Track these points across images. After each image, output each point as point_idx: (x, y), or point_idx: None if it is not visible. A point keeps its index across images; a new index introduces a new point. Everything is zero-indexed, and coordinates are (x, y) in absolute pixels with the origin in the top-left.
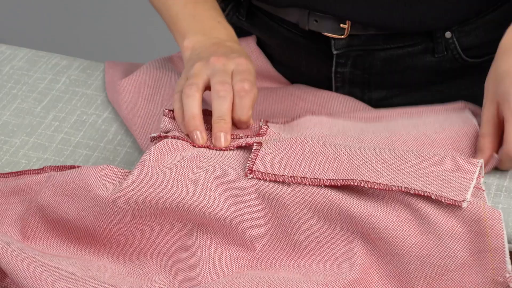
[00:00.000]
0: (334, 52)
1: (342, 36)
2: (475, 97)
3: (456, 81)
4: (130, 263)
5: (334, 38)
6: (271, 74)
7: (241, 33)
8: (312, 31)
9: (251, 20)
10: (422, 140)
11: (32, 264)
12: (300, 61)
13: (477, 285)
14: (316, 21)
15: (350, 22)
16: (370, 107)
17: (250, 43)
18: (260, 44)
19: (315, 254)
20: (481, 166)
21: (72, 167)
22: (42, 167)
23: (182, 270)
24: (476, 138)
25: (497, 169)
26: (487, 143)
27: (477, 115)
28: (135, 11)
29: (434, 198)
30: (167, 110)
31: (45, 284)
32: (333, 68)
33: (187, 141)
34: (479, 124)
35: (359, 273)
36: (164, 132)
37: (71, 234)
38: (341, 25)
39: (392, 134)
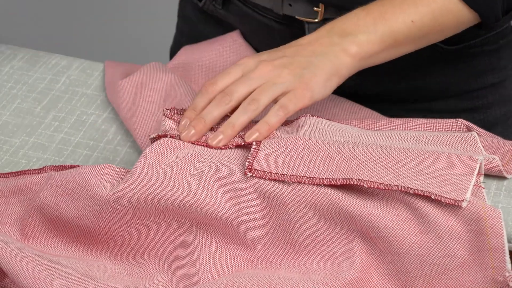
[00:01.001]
0: None
1: (316, 20)
2: (449, 86)
3: (430, 68)
4: (129, 262)
5: (308, 22)
6: None
7: (219, 24)
8: (287, 16)
9: (227, 8)
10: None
11: (32, 264)
12: (276, 47)
13: (476, 284)
14: (290, 5)
15: (323, 6)
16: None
17: (236, 38)
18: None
19: (314, 253)
20: (480, 164)
21: (72, 166)
22: (42, 167)
23: (182, 270)
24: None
25: None
26: None
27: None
28: (135, 11)
29: (433, 197)
30: (167, 111)
31: (45, 284)
32: None
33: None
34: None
35: (358, 272)
36: (164, 133)
37: (70, 233)
38: (315, 8)
39: (393, 136)
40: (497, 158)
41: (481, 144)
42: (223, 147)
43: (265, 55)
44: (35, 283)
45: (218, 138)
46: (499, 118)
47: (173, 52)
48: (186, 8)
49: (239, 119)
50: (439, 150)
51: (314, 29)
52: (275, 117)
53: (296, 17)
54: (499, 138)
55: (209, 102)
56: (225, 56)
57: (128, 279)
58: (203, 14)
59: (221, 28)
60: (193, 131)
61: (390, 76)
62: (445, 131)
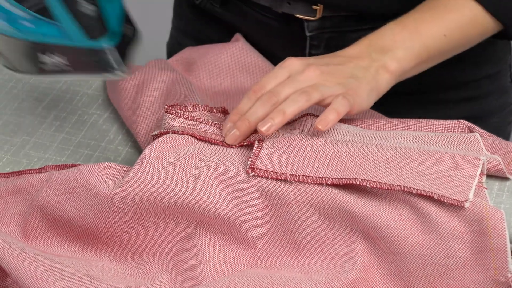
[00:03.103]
0: (308, 34)
1: (315, 18)
2: (443, 78)
3: None
4: (131, 262)
5: (307, 20)
6: (266, 67)
7: (215, 21)
8: (286, 14)
9: (225, 7)
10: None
11: (34, 264)
12: (275, 45)
13: (478, 285)
14: (289, 3)
15: (322, 4)
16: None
17: (238, 40)
18: (234, 31)
19: (316, 252)
20: (483, 164)
21: (73, 166)
22: (43, 166)
23: (183, 269)
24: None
25: None
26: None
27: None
28: (135, 11)
29: (436, 198)
30: (169, 107)
31: (46, 284)
32: (307, 51)
33: (188, 134)
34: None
35: (360, 272)
36: (166, 130)
37: (72, 233)
38: (313, 6)
39: (394, 136)
40: (500, 159)
41: (483, 145)
42: (225, 144)
43: (311, 59)
44: (36, 283)
45: (268, 124)
46: (496, 108)
47: (169, 48)
48: (181, 5)
49: (291, 107)
50: (442, 150)
51: (313, 27)
52: (332, 115)
53: (295, 15)
54: (501, 139)
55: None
56: (229, 52)
57: (129, 279)
58: (199, 11)
59: (217, 25)
60: (237, 133)
61: None
62: (447, 132)
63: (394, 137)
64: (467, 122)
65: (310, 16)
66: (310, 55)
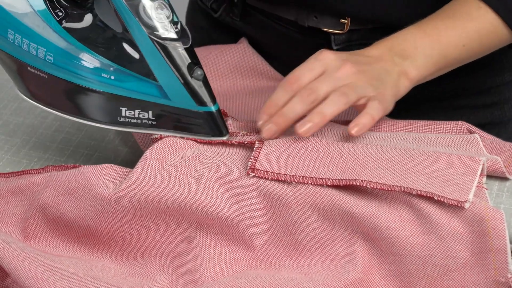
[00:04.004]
0: (334, 47)
1: (342, 31)
2: (464, 85)
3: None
4: (131, 262)
5: (334, 34)
6: (267, 71)
7: (235, 33)
8: (311, 27)
9: (245, 20)
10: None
11: (34, 264)
12: (299, 58)
13: (478, 286)
14: (316, 17)
15: (350, 18)
16: None
17: (242, 43)
18: (255, 43)
19: (316, 253)
20: (483, 165)
21: (74, 166)
22: (43, 166)
23: (184, 270)
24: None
25: None
26: None
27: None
28: None
29: (436, 198)
30: None
31: (47, 284)
32: None
33: (188, 139)
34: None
35: (360, 272)
36: None
37: (72, 233)
38: (341, 20)
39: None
40: (499, 159)
41: (483, 145)
42: (229, 143)
43: (344, 54)
44: (37, 283)
45: (307, 126)
46: None
47: None
48: (197, 17)
49: (330, 109)
50: (442, 151)
51: (340, 41)
52: (367, 120)
53: (322, 29)
54: (501, 140)
55: (290, 98)
56: (230, 55)
57: (130, 279)
58: (216, 23)
59: (235, 36)
60: (274, 128)
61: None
62: (447, 133)
63: (394, 138)
64: (467, 124)
65: (337, 30)
66: None
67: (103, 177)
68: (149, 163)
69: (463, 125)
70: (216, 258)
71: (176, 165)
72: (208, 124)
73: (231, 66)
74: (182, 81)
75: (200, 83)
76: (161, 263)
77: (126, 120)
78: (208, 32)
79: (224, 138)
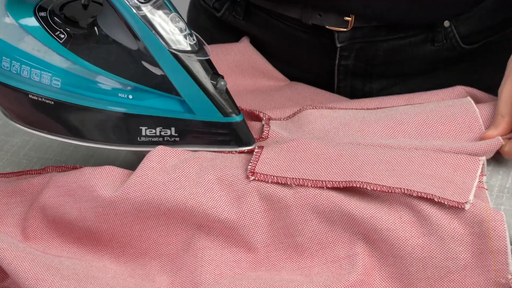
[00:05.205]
0: (338, 45)
1: (346, 29)
2: (470, 83)
3: (453, 67)
4: (131, 263)
5: (338, 31)
6: (268, 70)
7: (238, 32)
8: (315, 25)
9: (248, 19)
10: (425, 130)
11: (34, 264)
12: (302, 57)
13: (479, 287)
14: (320, 15)
15: (353, 15)
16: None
17: (243, 41)
18: (258, 43)
19: (317, 255)
20: (483, 165)
21: (74, 167)
22: (43, 167)
23: (184, 272)
24: (477, 131)
25: (500, 170)
26: (503, 123)
27: (475, 98)
28: None
29: (437, 200)
30: None
31: (47, 285)
32: (337, 61)
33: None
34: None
35: (361, 274)
36: None
37: (72, 234)
38: (345, 18)
39: (395, 124)
40: (500, 139)
41: (481, 113)
42: (226, 152)
43: None
44: (37, 284)
45: None
46: None
47: None
48: (199, 18)
49: None
50: (444, 144)
51: (344, 38)
52: None
53: (326, 27)
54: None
55: None
56: (231, 54)
57: (130, 280)
58: (218, 23)
59: (237, 36)
60: None
61: (415, 79)
62: (447, 100)
63: (395, 132)
64: (465, 86)
65: (341, 28)
66: (340, 65)
67: (104, 179)
68: (150, 166)
69: (461, 88)
70: (217, 260)
71: (177, 167)
72: (235, 135)
73: (232, 65)
74: (207, 94)
75: (225, 93)
76: (161, 264)
77: (147, 139)
78: (210, 32)
79: (252, 147)
